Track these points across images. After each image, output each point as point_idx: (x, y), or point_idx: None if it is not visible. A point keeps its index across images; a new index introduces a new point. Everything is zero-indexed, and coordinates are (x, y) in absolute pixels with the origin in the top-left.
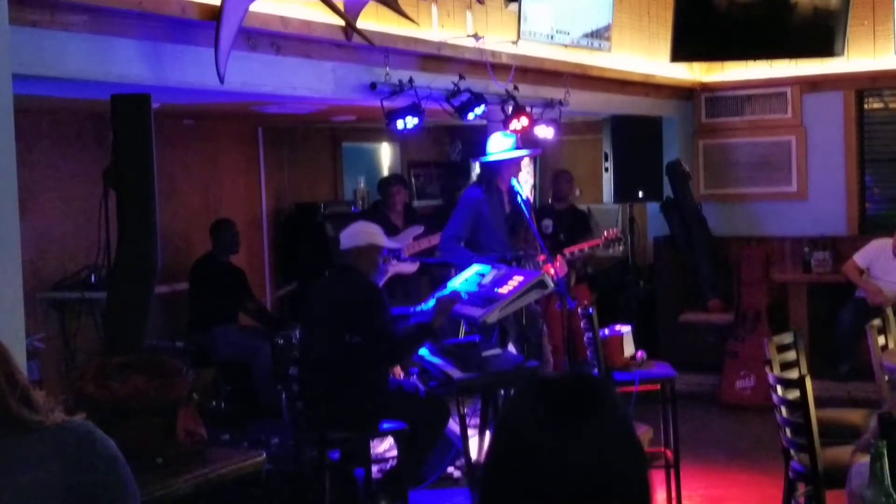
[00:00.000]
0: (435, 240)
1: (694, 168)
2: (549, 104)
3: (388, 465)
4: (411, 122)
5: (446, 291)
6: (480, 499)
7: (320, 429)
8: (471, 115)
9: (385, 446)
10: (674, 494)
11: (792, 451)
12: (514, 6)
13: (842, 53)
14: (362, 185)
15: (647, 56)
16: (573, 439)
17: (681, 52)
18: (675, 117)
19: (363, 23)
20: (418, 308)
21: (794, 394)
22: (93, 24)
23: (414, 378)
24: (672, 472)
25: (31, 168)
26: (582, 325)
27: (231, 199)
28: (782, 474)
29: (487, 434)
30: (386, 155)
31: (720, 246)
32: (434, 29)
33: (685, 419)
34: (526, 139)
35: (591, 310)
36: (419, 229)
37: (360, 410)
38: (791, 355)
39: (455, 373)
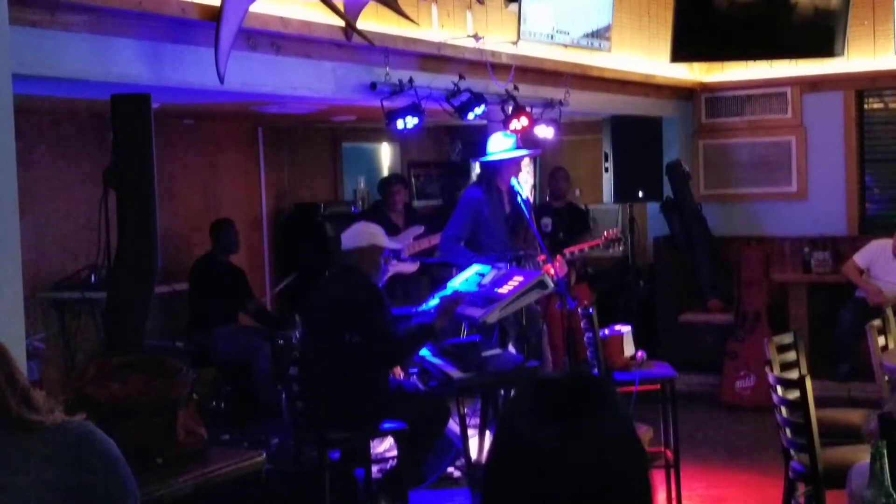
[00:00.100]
0: (435, 240)
1: (694, 168)
2: (549, 104)
3: (388, 465)
4: (411, 122)
5: (447, 292)
6: (482, 499)
7: (320, 429)
8: (471, 115)
9: (385, 446)
10: (674, 494)
11: (792, 452)
12: (514, 6)
13: (842, 53)
14: (362, 185)
15: (647, 56)
16: (573, 439)
17: (681, 53)
18: (675, 117)
19: (363, 23)
20: (420, 308)
21: (794, 394)
22: (93, 24)
23: (414, 378)
24: (672, 472)
25: (31, 168)
26: (582, 324)
27: (231, 199)
28: (782, 474)
29: (487, 434)
30: (386, 155)
31: (720, 246)
32: (434, 29)
33: (685, 419)
34: (526, 139)
35: (591, 310)
36: (419, 229)
37: (361, 410)
38: (791, 355)
39: (455, 373)
